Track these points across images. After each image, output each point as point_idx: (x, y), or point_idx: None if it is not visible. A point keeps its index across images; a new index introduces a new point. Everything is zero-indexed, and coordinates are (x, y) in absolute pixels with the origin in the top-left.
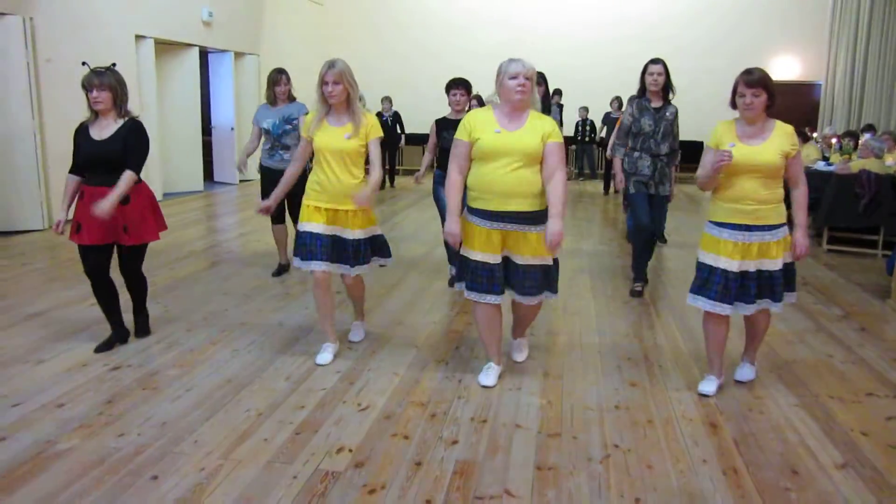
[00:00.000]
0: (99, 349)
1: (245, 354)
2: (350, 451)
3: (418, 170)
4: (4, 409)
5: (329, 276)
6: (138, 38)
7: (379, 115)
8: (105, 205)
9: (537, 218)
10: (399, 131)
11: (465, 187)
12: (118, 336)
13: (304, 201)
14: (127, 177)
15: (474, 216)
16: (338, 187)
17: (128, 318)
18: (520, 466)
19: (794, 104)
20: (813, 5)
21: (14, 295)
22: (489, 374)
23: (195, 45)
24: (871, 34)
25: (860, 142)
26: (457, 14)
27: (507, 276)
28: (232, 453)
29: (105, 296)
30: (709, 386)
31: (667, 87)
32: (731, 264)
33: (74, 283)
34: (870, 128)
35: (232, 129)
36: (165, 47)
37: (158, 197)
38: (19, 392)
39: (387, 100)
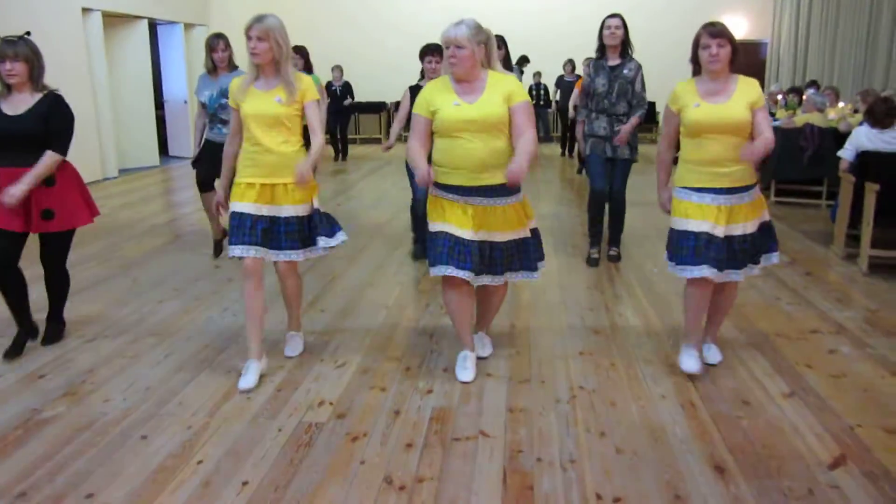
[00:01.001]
0: (8, 355)
1: (219, 321)
2: (331, 403)
3: (380, 139)
4: None
5: (260, 266)
6: (85, 10)
7: (328, 84)
8: (16, 190)
9: (511, 190)
10: (350, 100)
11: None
12: (27, 332)
13: (236, 178)
14: (48, 158)
15: (446, 192)
16: (271, 159)
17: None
18: (492, 410)
19: (742, 63)
20: None
21: None
22: (466, 367)
23: (144, 17)
24: None
25: (804, 97)
26: None
27: (482, 260)
28: (217, 412)
29: (14, 289)
30: (693, 363)
31: (625, 43)
32: (717, 229)
33: None
34: (813, 83)
35: (185, 101)
36: (113, 20)
37: (114, 173)
38: None
39: (337, 69)
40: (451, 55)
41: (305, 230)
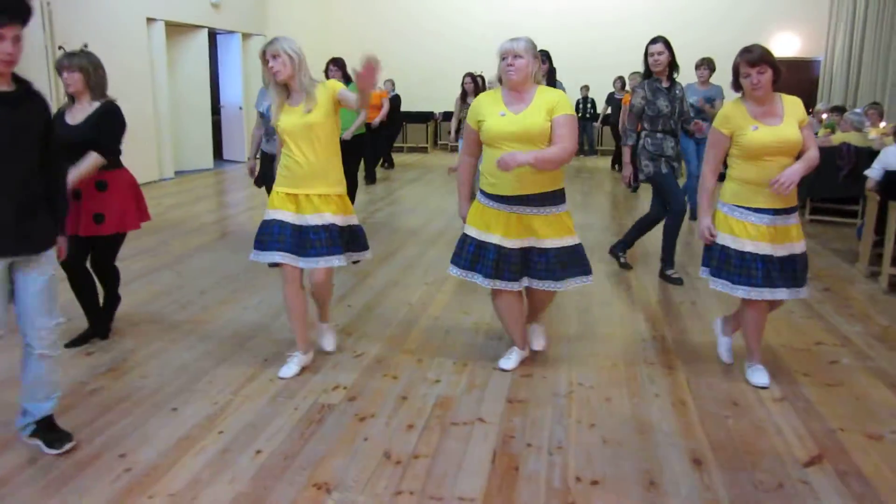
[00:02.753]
0: (70, 344)
1: (252, 312)
2: (345, 388)
3: (426, 147)
4: None
5: (299, 272)
6: (149, 20)
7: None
8: None
9: (554, 198)
10: (398, 113)
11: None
12: (94, 331)
13: (273, 188)
14: (89, 159)
15: (491, 200)
16: (307, 169)
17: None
18: (493, 400)
19: (793, 80)
20: None
21: None
22: (510, 358)
23: (204, 27)
24: (869, 9)
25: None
26: None
27: (529, 264)
28: (241, 390)
29: (82, 290)
30: (762, 377)
31: (671, 66)
32: (767, 248)
33: None
34: (875, 105)
35: (240, 108)
36: (175, 29)
37: (170, 174)
38: None
39: (389, 82)
40: (508, 64)
41: (334, 238)
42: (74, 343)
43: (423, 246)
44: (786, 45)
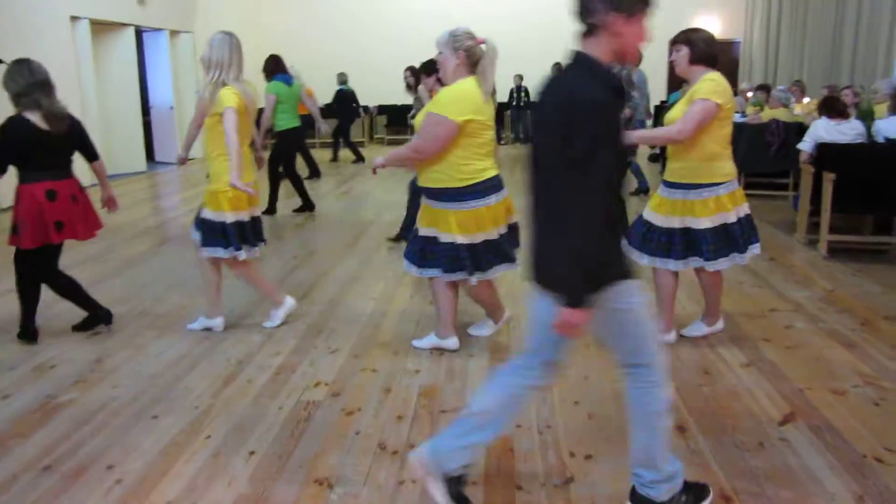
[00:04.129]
0: (77, 327)
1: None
2: (326, 384)
3: (361, 141)
4: (2, 372)
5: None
6: (73, 18)
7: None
8: None
9: (438, 195)
10: (354, 105)
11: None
12: (99, 316)
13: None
14: None
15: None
16: None
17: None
18: (475, 386)
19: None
20: None
21: None
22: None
23: (130, 25)
24: None
25: (770, 94)
26: None
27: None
28: (220, 393)
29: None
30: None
31: None
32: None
33: None
34: (798, 83)
35: (171, 108)
36: (101, 28)
37: None
38: (12, 358)
39: (343, 75)
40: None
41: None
42: (80, 327)
43: (377, 240)
44: (706, 27)
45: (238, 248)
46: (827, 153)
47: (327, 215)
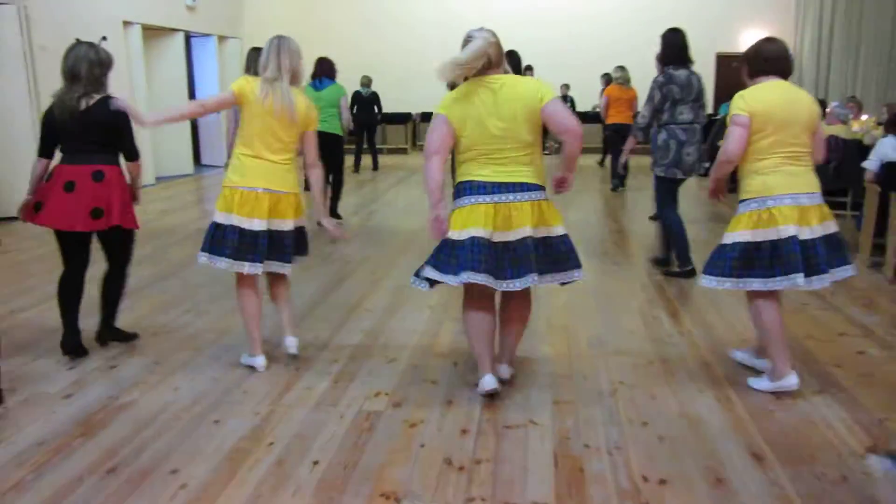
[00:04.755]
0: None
1: (270, 318)
2: (386, 394)
3: (405, 149)
4: (61, 371)
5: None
6: (126, 23)
7: (357, 93)
8: None
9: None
10: (377, 111)
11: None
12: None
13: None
14: None
15: None
16: None
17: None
18: (540, 401)
19: None
20: None
21: (35, 275)
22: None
23: (180, 30)
24: (837, 4)
25: (827, 110)
26: None
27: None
28: (280, 400)
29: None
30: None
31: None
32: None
33: None
34: (853, 99)
35: (218, 112)
36: (152, 32)
37: (151, 181)
38: (69, 357)
39: (365, 78)
40: None
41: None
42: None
43: (427, 250)
44: (754, 38)
45: (215, 255)
46: (895, 173)
47: (370, 225)
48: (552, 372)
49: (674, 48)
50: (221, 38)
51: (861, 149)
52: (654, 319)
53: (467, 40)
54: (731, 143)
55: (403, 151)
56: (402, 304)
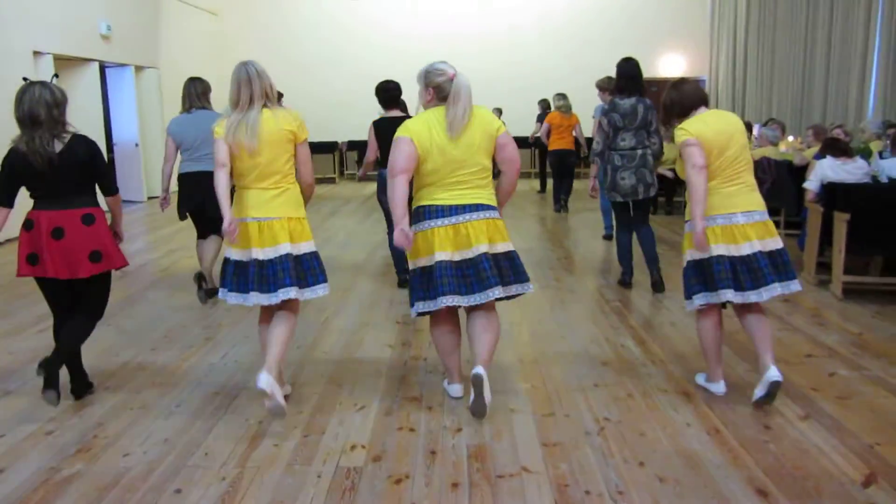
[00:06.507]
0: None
1: (222, 367)
2: (363, 447)
3: (333, 178)
4: None
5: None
6: (36, 53)
7: None
8: None
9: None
10: None
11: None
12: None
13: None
14: None
15: None
16: None
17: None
18: (527, 445)
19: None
20: (694, 6)
21: None
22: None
23: (95, 60)
24: (749, 30)
25: (754, 133)
26: (353, 21)
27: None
28: (247, 461)
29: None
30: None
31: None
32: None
33: (4, 314)
34: (775, 121)
35: (136, 144)
36: (64, 63)
37: (142, 198)
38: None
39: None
40: None
41: None
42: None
43: (377, 281)
44: (672, 65)
45: (231, 290)
46: (837, 193)
47: None
48: (533, 411)
49: (621, 78)
50: (138, 68)
51: (791, 169)
52: (623, 348)
53: (435, 74)
54: (693, 157)
55: (332, 181)
56: (358, 345)
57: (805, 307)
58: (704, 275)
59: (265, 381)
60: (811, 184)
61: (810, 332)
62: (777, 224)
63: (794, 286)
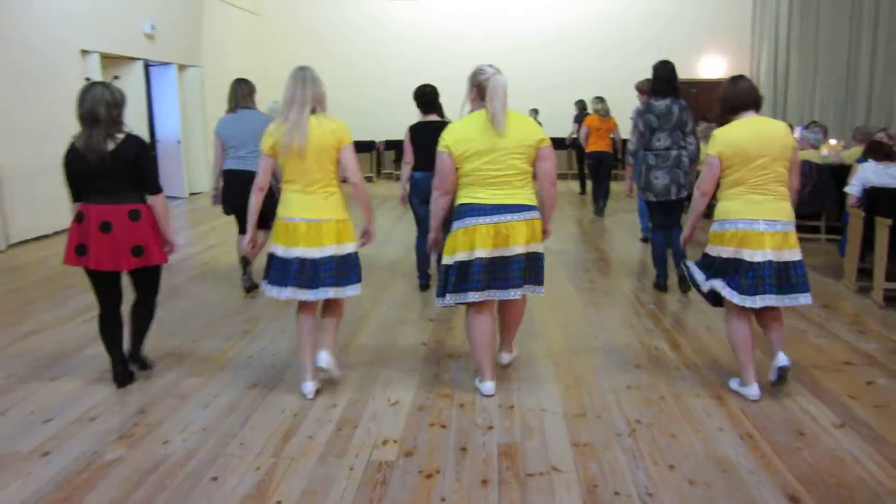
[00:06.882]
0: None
1: (259, 360)
2: (395, 441)
3: (370, 177)
4: (37, 425)
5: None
6: (84, 52)
7: None
8: None
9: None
10: None
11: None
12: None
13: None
14: None
15: None
16: None
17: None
18: (557, 445)
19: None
20: (735, 8)
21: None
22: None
23: (139, 59)
24: (791, 30)
25: (795, 135)
26: (392, 22)
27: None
28: (282, 451)
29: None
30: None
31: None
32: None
33: (53, 303)
34: (818, 123)
35: (178, 142)
36: (110, 61)
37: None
38: (46, 408)
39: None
40: None
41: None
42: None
43: (412, 280)
44: (713, 66)
45: (270, 283)
46: (879, 198)
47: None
48: (565, 411)
49: (658, 80)
50: (181, 67)
51: (833, 172)
52: (657, 351)
53: (478, 73)
54: (703, 181)
55: (369, 180)
56: (394, 340)
57: (845, 314)
58: (714, 267)
59: (325, 359)
60: (853, 188)
61: (849, 340)
62: (818, 229)
63: (804, 299)
